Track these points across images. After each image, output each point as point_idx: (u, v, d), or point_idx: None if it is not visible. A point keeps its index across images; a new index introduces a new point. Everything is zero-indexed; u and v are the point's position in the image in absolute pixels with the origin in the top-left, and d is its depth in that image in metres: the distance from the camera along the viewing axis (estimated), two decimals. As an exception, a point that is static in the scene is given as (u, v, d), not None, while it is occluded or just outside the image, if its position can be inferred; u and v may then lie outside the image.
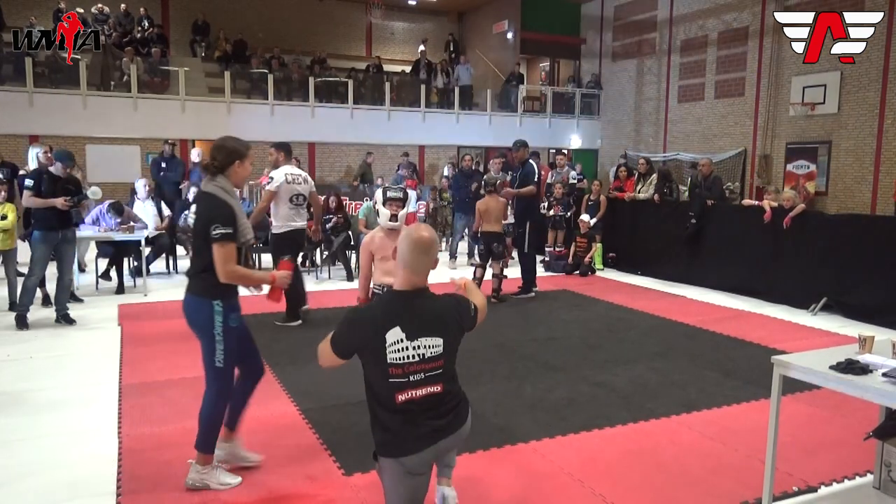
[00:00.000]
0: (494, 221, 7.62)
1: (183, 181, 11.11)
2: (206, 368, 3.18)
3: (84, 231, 8.26)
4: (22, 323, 6.17)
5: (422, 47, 20.51)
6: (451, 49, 20.38)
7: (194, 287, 3.14)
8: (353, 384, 4.53)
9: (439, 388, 2.46)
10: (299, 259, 8.41)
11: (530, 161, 8.00)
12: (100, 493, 3.13)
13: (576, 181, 11.41)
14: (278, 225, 6.35)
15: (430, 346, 2.42)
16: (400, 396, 2.39)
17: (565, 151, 19.56)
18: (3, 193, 7.03)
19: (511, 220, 8.38)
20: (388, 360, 2.36)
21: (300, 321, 6.43)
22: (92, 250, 8.55)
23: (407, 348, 2.38)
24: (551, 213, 10.39)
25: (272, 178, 6.30)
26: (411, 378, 2.39)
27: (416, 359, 2.39)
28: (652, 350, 5.70)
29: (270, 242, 6.75)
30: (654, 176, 9.97)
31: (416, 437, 2.41)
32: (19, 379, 4.80)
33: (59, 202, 6.06)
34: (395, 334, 2.37)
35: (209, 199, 3.07)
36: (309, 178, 6.61)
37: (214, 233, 2.95)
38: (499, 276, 7.66)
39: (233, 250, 3.01)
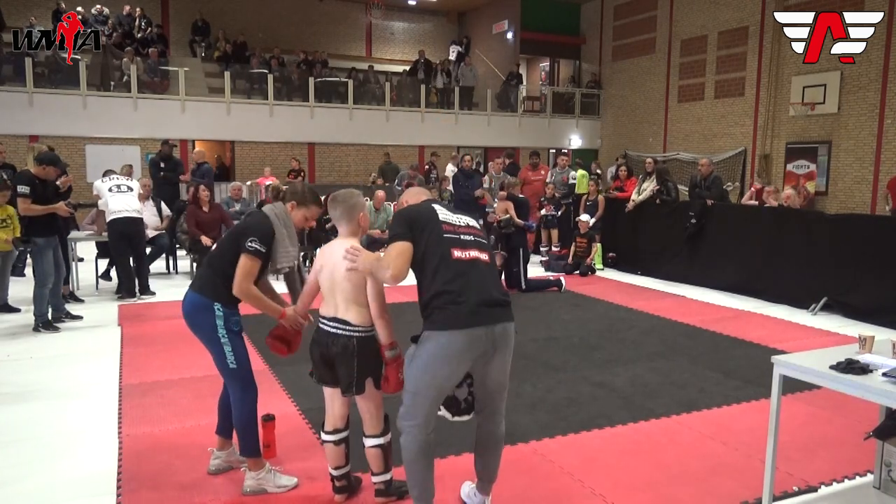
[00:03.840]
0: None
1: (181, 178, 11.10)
2: (221, 373, 3.16)
3: (82, 231, 8.30)
4: (50, 326, 6.12)
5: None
6: (463, 50, 20.26)
7: (200, 284, 3.12)
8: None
9: (486, 257, 2.79)
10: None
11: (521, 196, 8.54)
12: (100, 493, 3.13)
13: (575, 181, 11.41)
14: (110, 216, 7.21)
15: (465, 219, 2.87)
16: (456, 252, 2.68)
17: (566, 151, 19.58)
18: (7, 194, 6.97)
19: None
20: (440, 219, 2.75)
21: (136, 298, 7.40)
22: (92, 250, 8.55)
23: (450, 215, 2.83)
24: (542, 212, 10.39)
25: (95, 186, 7.70)
26: (462, 237, 2.75)
27: (461, 223, 2.82)
28: (652, 350, 5.70)
29: (108, 232, 7.40)
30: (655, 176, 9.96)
31: (475, 309, 2.61)
32: (19, 378, 4.80)
33: (61, 208, 6.03)
34: (437, 206, 2.84)
35: (259, 215, 3.16)
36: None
37: (249, 245, 3.00)
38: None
39: (255, 267, 3.02)
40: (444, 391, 2.70)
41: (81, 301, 7.26)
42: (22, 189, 5.81)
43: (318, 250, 3.10)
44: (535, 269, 9.61)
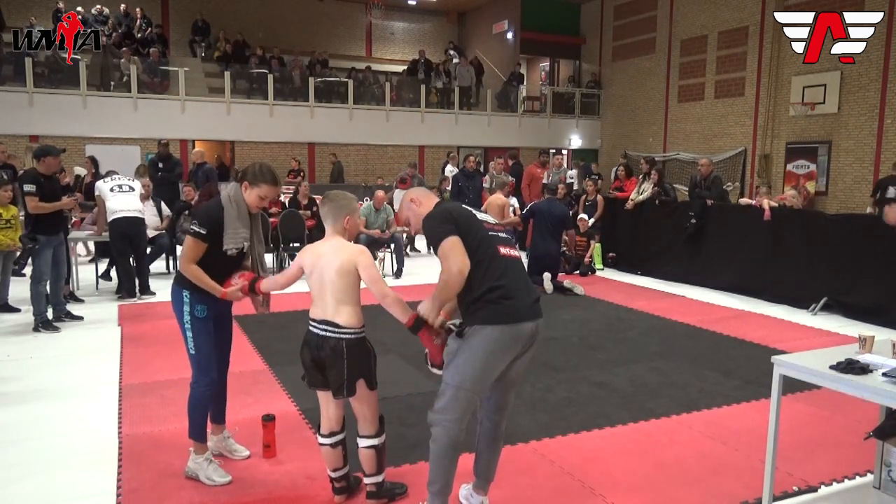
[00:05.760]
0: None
1: (182, 181, 11.10)
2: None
3: (81, 231, 8.30)
4: (49, 326, 6.12)
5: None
6: (454, 55, 20.13)
7: (176, 274, 3.31)
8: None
9: (518, 254, 2.85)
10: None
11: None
12: (100, 493, 3.13)
13: (573, 181, 11.43)
14: (112, 215, 7.16)
15: (493, 218, 2.91)
16: (502, 249, 2.72)
17: (564, 152, 19.58)
18: (10, 194, 6.96)
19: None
20: (480, 218, 2.79)
21: (136, 298, 7.41)
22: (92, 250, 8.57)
23: (481, 214, 2.86)
24: None
25: (96, 187, 7.57)
26: (500, 234, 2.79)
27: (493, 221, 2.86)
28: (652, 350, 5.70)
29: (109, 232, 7.36)
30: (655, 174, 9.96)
31: (525, 305, 2.67)
32: (19, 379, 4.80)
33: (70, 203, 6.12)
34: (468, 208, 2.84)
35: (212, 200, 3.27)
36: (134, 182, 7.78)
37: (190, 228, 3.16)
38: None
39: (197, 248, 3.13)
40: (486, 386, 2.70)
41: (81, 301, 7.26)
42: (28, 188, 5.85)
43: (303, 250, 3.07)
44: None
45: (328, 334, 2.85)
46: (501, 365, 2.67)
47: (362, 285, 2.89)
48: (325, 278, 2.87)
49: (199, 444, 3.25)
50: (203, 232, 3.11)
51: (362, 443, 2.96)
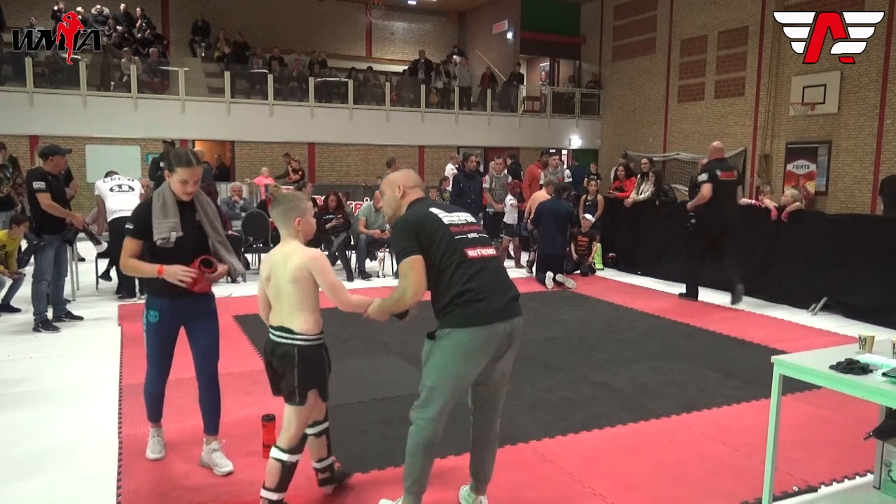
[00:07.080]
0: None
1: None
2: None
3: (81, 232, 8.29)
4: (49, 326, 6.11)
5: (456, 56, 20.24)
6: (455, 59, 20.06)
7: None
8: (353, 385, 4.53)
9: (494, 252, 2.80)
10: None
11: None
12: (100, 493, 3.13)
13: (570, 180, 11.42)
14: (111, 215, 7.20)
15: (463, 216, 2.82)
16: (470, 252, 2.68)
17: (564, 152, 19.58)
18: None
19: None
20: (446, 223, 2.71)
21: (136, 298, 7.36)
22: (92, 250, 8.55)
23: (451, 215, 2.76)
24: None
25: (96, 186, 7.75)
26: (469, 235, 2.74)
27: (462, 221, 2.78)
28: (652, 350, 5.69)
29: (108, 232, 7.45)
30: (652, 176, 9.96)
31: (497, 305, 2.64)
32: (19, 379, 4.80)
33: (79, 220, 6.19)
34: (436, 210, 2.76)
35: (146, 199, 3.43)
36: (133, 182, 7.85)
37: (125, 228, 3.25)
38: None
39: (130, 244, 3.21)
40: (461, 388, 2.70)
41: (69, 301, 7.21)
42: (38, 185, 5.82)
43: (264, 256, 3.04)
44: (522, 270, 9.59)
45: (281, 340, 2.81)
46: (476, 367, 2.66)
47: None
48: (280, 286, 2.82)
49: (150, 423, 3.52)
50: (130, 227, 3.21)
51: (274, 453, 2.82)
